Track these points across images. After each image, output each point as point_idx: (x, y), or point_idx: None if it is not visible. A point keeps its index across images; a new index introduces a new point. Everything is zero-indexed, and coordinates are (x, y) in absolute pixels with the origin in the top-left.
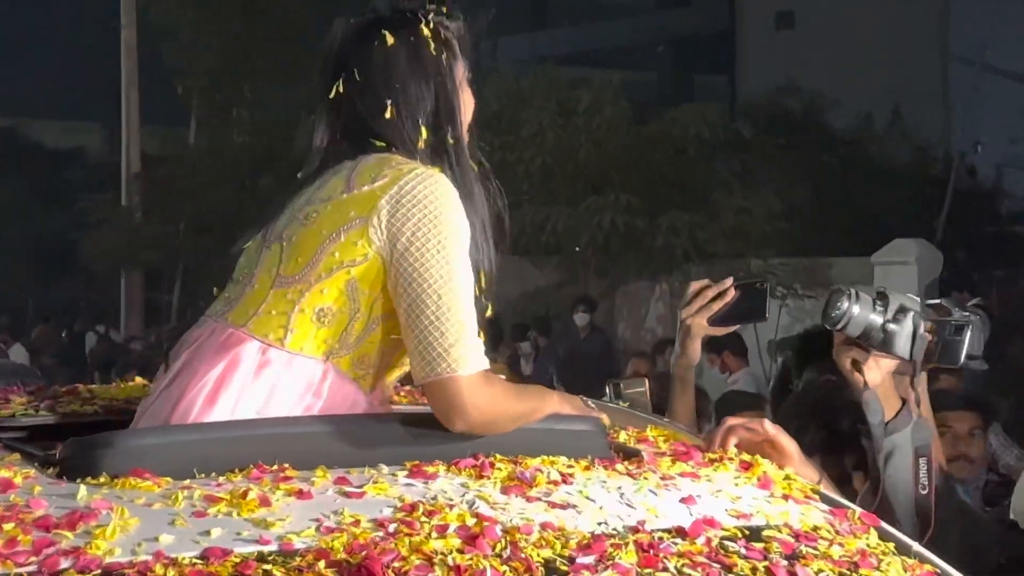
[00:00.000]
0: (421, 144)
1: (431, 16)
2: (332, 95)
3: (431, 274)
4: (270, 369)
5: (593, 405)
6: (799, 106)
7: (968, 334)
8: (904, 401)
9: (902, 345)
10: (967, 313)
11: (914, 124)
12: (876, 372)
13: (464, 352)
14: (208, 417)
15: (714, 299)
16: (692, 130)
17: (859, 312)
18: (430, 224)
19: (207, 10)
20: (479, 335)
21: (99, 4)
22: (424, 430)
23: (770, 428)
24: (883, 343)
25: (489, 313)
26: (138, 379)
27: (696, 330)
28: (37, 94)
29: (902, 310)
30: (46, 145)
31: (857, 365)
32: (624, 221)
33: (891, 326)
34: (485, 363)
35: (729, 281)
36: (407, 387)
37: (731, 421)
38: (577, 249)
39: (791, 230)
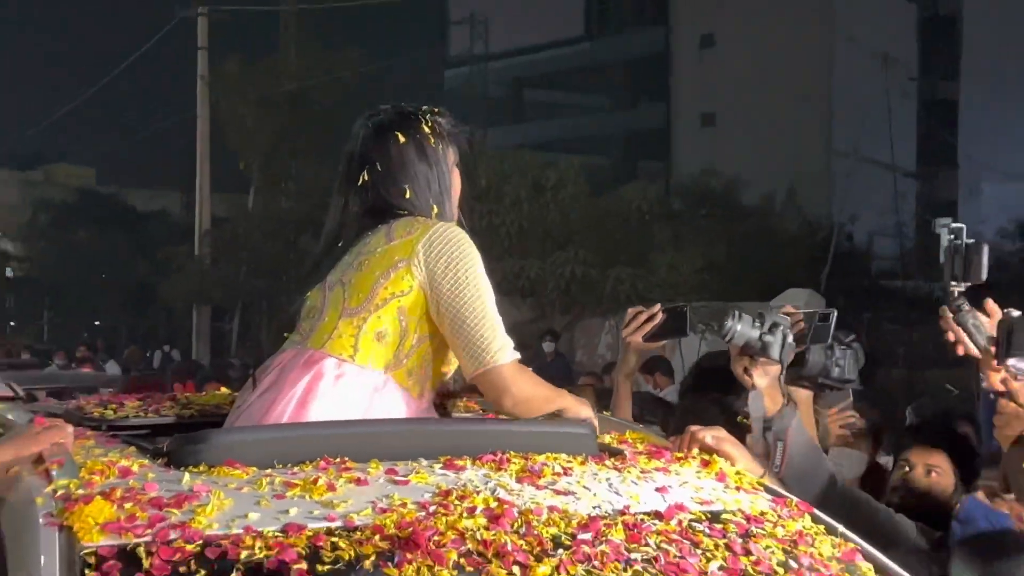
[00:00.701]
0: (433, 215)
1: (429, 115)
2: (360, 183)
3: (466, 293)
4: (345, 379)
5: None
6: (718, 186)
7: (833, 318)
8: (787, 399)
9: (775, 351)
10: (831, 309)
11: (805, 201)
12: (763, 378)
13: (501, 346)
14: (299, 418)
15: (647, 321)
16: (635, 203)
17: (741, 328)
18: (457, 258)
19: (263, 105)
20: None
21: (181, 98)
22: (453, 430)
23: (722, 434)
24: (761, 350)
25: None
26: (223, 389)
27: (634, 345)
28: (132, 168)
29: (775, 325)
30: (138, 208)
31: (747, 371)
32: (582, 272)
33: (767, 337)
34: (518, 355)
35: (658, 306)
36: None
37: (693, 429)
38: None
39: (710, 280)
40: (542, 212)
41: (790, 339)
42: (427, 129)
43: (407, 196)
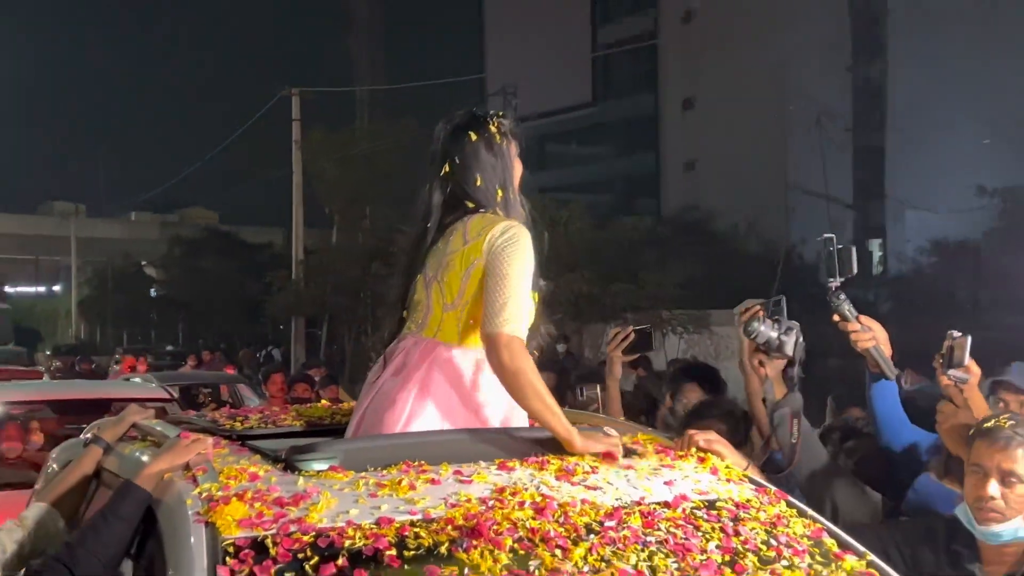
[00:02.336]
0: (498, 199)
1: (495, 117)
2: (442, 173)
3: (502, 274)
4: (454, 360)
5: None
6: (697, 219)
7: (783, 303)
8: (788, 387)
9: (789, 349)
10: (781, 296)
11: (765, 229)
12: (772, 368)
13: (512, 320)
14: (421, 400)
15: (624, 339)
16: (629, 234)
17: (764, 329)
18: (512, 246)
19: (342, 163)
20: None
21: (281, 157)
22: (505, 438)
23: (713, 436)
24: (778, 348)
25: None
26: (324, 402)
27: (615, 358)
28: (246, 211)
29: (789, 328)
30: (249, 241)
31: (762, 363)
32: (586, 289)
33: (784, 338)
34: (523, 335)
35: (630, 328)
36: None
37: (690, 432)
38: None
39: (688, 294)
40: (556, 243)
41: (801, 340)
42: (493, 128)
43: (478, 183)
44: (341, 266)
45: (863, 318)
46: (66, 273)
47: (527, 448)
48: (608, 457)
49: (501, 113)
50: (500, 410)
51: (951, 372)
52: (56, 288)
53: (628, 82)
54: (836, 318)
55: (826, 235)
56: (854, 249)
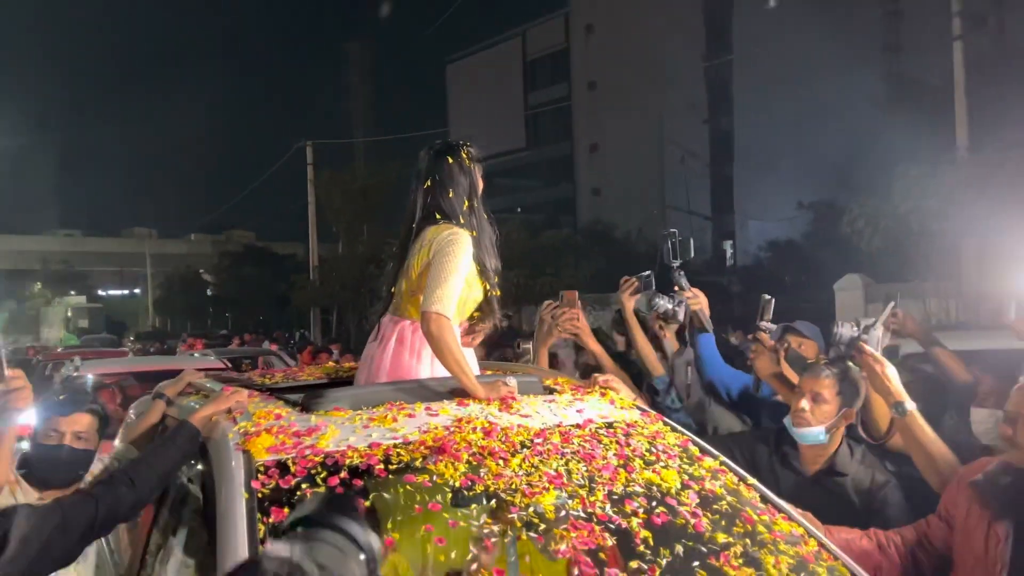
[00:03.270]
0: (465, 209)
1: (465, 146)
2: (425, 186)
3: (439, 268)
4: (413, 332)
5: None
6: (603, 229)
7: (652, 276)
8: (681, 343)
9: (681, 316)
10: (649, 271)
11: (650, 235)
12: (669, 331)
13: (440, 301)
14: (398, 357)
15: (555, 307)
16: (554, 241)
17: (663, 303)
18: (449, 247)
19: (345, 195)
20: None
21: (300, 190)
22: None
23: (612, 377)
24: (673, 316)
25: (498, 293)
26: (330, 363)
27: (549, 321)
28: (277, 231)
29: (680, 302)
30: (277, 253)
31: (661, 328)
32: (522, 281)
33: (676, 308)
34: (449, 313)
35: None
36: None
37: (595, 375)
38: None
39: (594, 282)
40: (499, 248)
41: (687, 309)
42: (464, 154)
43: (450, 196)
44: (345, 270)
45: (693, 289)
46: (143, 280)
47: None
48: (503, 402)
49: (469, 143)
50: (432, 366)
51: (761, 323)
52: (136, 291)
53: (550, 132)
54: (676, 288)
55: (671, 229)
56: (691, 240)
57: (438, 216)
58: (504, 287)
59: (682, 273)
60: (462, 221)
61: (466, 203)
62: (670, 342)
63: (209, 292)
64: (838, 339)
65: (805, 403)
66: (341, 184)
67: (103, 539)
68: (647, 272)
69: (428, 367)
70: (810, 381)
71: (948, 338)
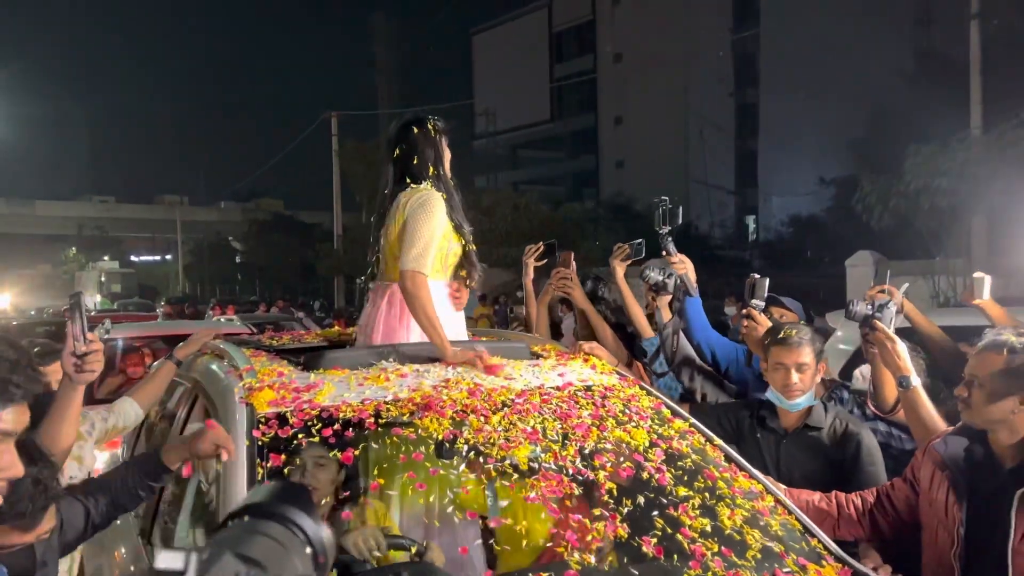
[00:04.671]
0: (432, 174)
1: (431, 118)
2: (394, 157)
3: (410, 228)
4: (399, 293)
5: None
6: (625, 202)
7: (642, 244)
8: (671, 312)
9: (671, 288)
10: (640, 240)
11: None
12: (661, 301)
13: (415, 260)
14: (389, 317)
15: (536, 250)
16: (575, 214)
17: (654, 275)
18: (421, 208)
19: (368, 165)
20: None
21: (324, 162)
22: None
23: (596, 346)
24: (663, 288)
25: (474, 247)
26: (336, 327)
27: (529, 264)
28: (304, 200)
29: (670, 274)
30: (305, 222)
31: (654, 297)
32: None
33: (667, 280)
34: (425, 269)
35: (540, 243)
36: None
37: (580, 343)
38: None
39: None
40: (518, 222)
41: (679, 281)
42: (430, 125)
43: (415, 162)
44: (368, 238)
45: (680, 255)
46: (174, 246)
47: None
48: (468, 363)
49: (437, 117)
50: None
51: (752, 301)
52: (168, 257)
53: (575, 105)
54: (664, 253)
55: (661, 197)
56: (680, 208)
57: (408, 181)
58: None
59: (670, 239)
60: (430, 186)
61: (432, 169)
62: (662, 312)
63: (237, 259)
64: (853, 315)
65: (795, 376)
66: (364, 155)
67: None
68: (639, 240)
69: (416, 328)
70: (792, 353)
71: (956, 315)
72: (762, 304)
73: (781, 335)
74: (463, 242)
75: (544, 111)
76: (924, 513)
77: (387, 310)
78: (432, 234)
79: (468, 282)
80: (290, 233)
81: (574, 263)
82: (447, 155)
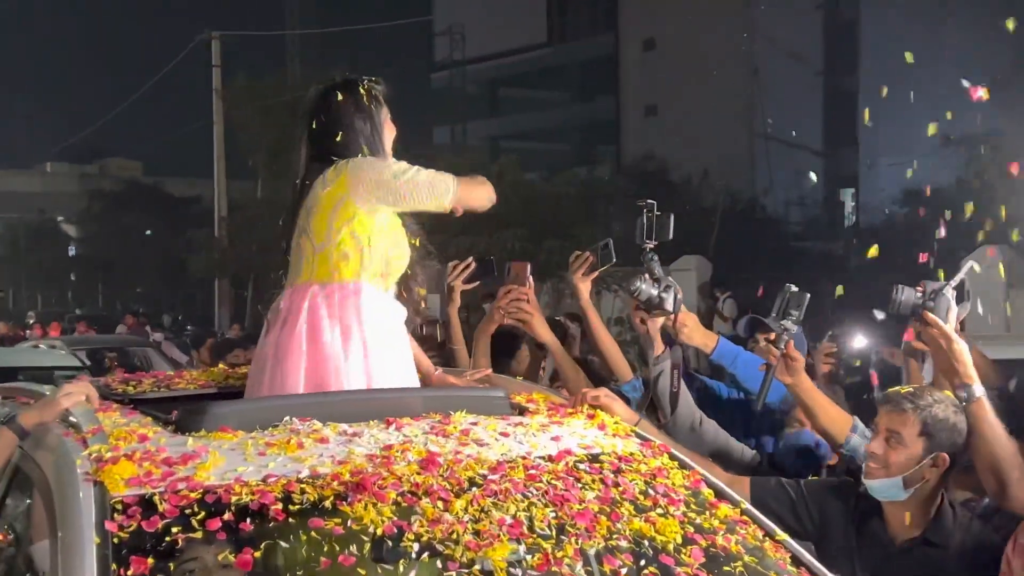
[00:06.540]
0: (364, 155)
1: (365, 82)
2: (308, 131)
3: (393, 173)
4: (332, 296)
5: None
6: (657, 168)
7: (611, 245)
8: (667, 345)
9: (669, 305)
10: (608, 239)
11: (724, 178)
12: (653, 325)
13: (445, 181)
14: (313, 345)
15: (464, 268)
16: (572, 187)
17: (645, 288)
18: (371, 167)
19: (266, 112)
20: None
21: (204, 105)
22: (397, 397)
23: (605, 393)
24: (659, 305)
25: (418, 243)
26: (221, 366)
27: (455, 286)
28: (169, 161)
29: (668, 286)
30: (174, 195)
31: (643, 320)
32: (520, 245)
33: (663, 295)
34: (455, 180)
35: (470, 259)
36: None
37: (584, 390)
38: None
39: (624, 249)
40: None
41: (680, 296)
42: (363, 91)
43: (338, 139)
44: (267, 222)
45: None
46: None
47: (421, 406)
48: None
49: (375, 79)
50: (379, 334)
51: (783, 322)
52: None
53: (585, 21)
54: (647, 276)
55: (648, 200)
56: (672, 216)
57: (334, 156)
58: (494, 254)
59: (655, 258)
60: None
61: (365, 150)
62: (653, 338)
63: (71, 250)
64: (898, 307)
65: (878, 445)
66: (260, 96)
67: None
68: (604, 242)
69: (358, 346)
70: (889, 416)
71: None
72: (794, 328)
73: (891, 390)
74: (412, 241)
75: (538, 30)
76: None
77: (311, 325)
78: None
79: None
80: (152, 212)
81: (531, 278)
82: (389, 131)
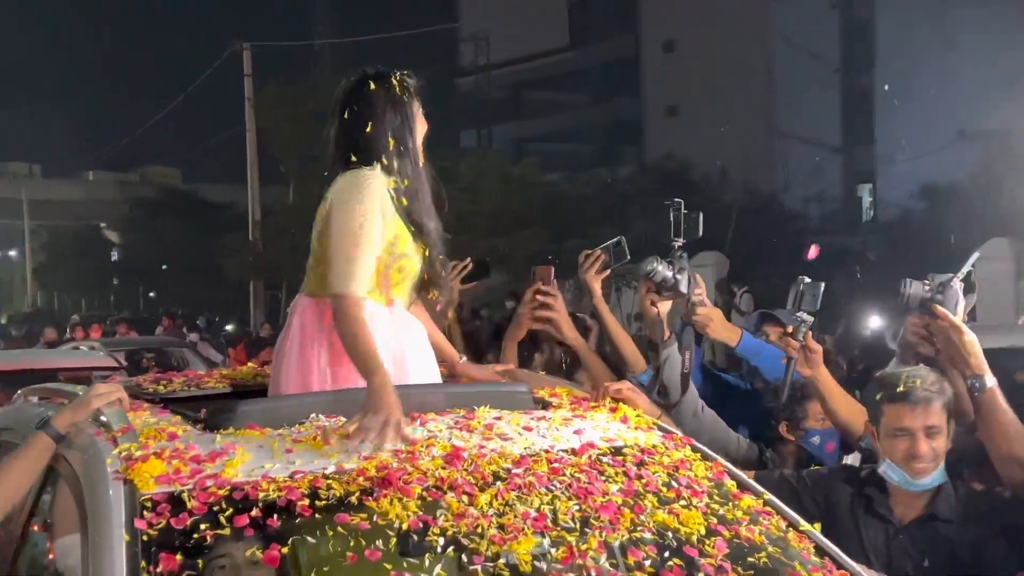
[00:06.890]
0: (391, 149)
1: (397, 75)
2: (339, 121)
3: (342, 227)
4: (311, 310)
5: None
6: (678, 167)
7: (624, 243)
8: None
9: (684, 287)
10: (620, 237)
11: (744, 176)
12: (663, 308)
13: (340, 278)
14: (304, 350)
15: (463, 268)
16: (604, 189)
17: (661, 269)
18: (346, 199)
19: (297, 120)
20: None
21: (238, 113)
22: (425, 392)
23: (627, 387)
24: (673, 287)
25: (443, 258)
26: (251, 364)
27: (454, 285)
28: (207, 168)
29: (682, 268)
30: (211, 201)
31: (654, 303)
32: (540, 247)
33: (678, 276)
34: (357, 291)
35: (468, 259)
36: None
37: (606, 383)
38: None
39: (641, 247)
40: (508, 200)
41: (701, 287)
42: (395, 82)
43: (368, 131)
44: (299, 225)
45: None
46: (20, 238)
47: (448, 401)
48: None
49: (407, 73)
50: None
51: (798, 313)
52: (12, 253)
53: (606, 24)
54: (668, 272)
55: (676, 199)
56: (700, 215)
57: (354, 158)
58: (516, 254)
59: (684, 255)
60: (385, 162)
61: (392, 143)
62: (661, 321)
63: (114, 256)
64: (906, 300)
65: (925, 445)
66: (291, 103)
67: None
68: (616, 239)
69: (336, 366)
70: (919, 413)
71: None
72: (809, 319)
73: (900, 388)
74: (424, 249)
75: (560, 34)
76: None
77: (301, 338)
78: (366, 237)
79: (436, 306)
80: (190, 218)
81: (555, 280)
82: (420, 125)
